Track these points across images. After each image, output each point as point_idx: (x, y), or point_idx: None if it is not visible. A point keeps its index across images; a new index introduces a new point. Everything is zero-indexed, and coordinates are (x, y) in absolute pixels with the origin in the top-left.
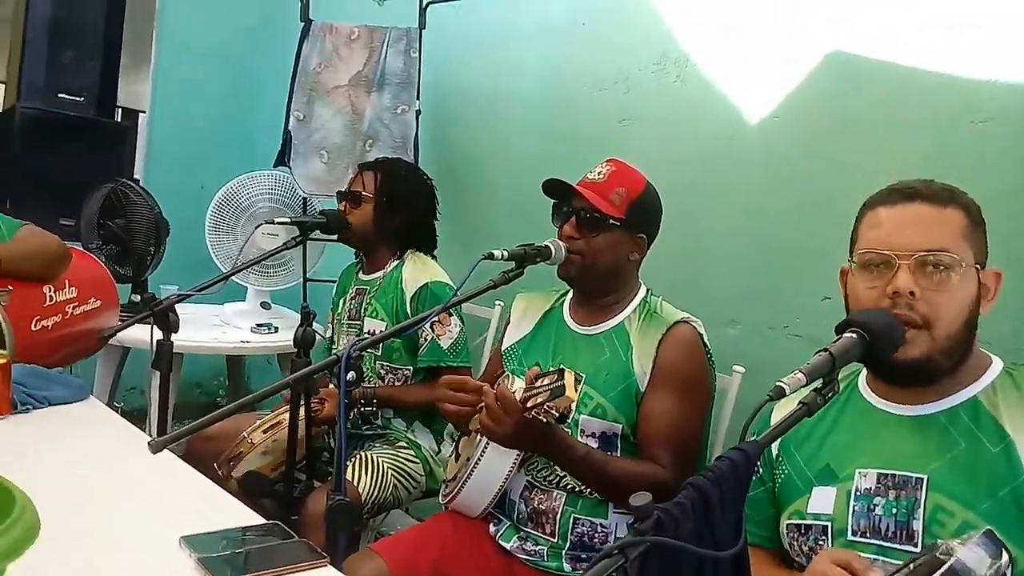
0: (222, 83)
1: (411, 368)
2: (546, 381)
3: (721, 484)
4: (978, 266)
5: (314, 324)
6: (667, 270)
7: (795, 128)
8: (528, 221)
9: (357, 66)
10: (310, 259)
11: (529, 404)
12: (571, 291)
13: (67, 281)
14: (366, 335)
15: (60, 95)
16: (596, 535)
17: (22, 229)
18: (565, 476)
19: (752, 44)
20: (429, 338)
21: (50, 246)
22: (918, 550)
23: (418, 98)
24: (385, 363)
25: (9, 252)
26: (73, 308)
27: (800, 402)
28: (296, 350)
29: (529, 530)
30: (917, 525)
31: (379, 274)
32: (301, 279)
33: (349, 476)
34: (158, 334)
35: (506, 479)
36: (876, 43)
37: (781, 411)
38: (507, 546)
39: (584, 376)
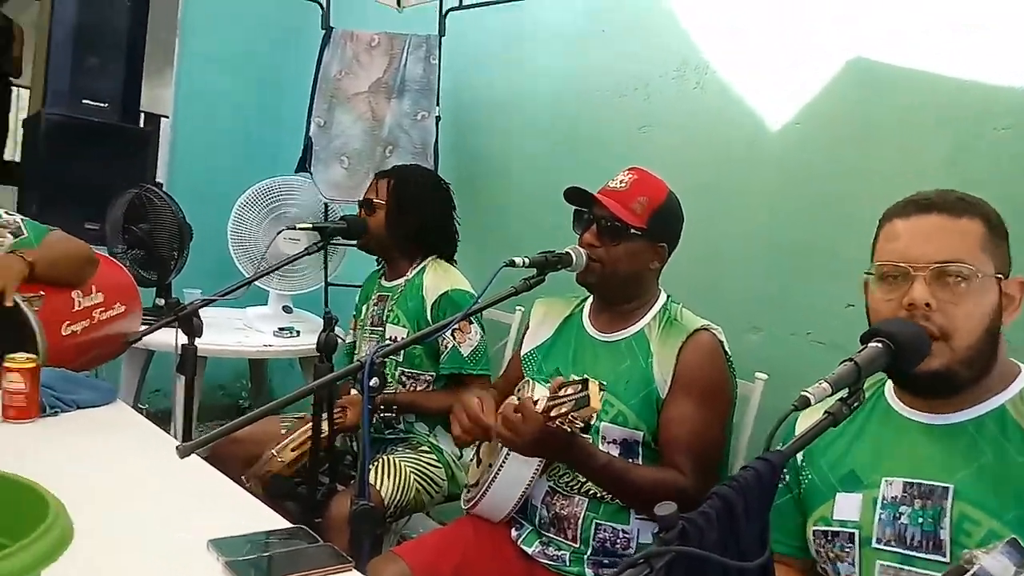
0: (244, 89)
1: (433, 374)
2: (570, 391)
3: (746, 494)
4: (999, 276)
5: (336, 329)
6: (688, 276)
7: (816, 134)
8: (548, 227)
9: (377, 73)
10: (331, 264)
11: (553, 413)
12: (590, 297)
13: (94, 287)
14: (388, 341)
15: (84, 101)
16: (618, 540)
17: (50, 235)
18: (587, 482)
19: (772, 51)
20: (450, 346)
21: (79, 251)
22: (945, 559)
23: (438, 104)
24: (407, 369)
25: (41, 257)
26: (100, 313)
27: (826, 412)
28: (319, 355)
29: (551, 535)
30: (944, 534)
31: (400, 281)
32: (322, 284)
33: (372, 480)
34: (183, 338)
35: (528, 485)
36: (897, 49)
37: (805, 419)
38: (529, 551)
39: (605, 384)
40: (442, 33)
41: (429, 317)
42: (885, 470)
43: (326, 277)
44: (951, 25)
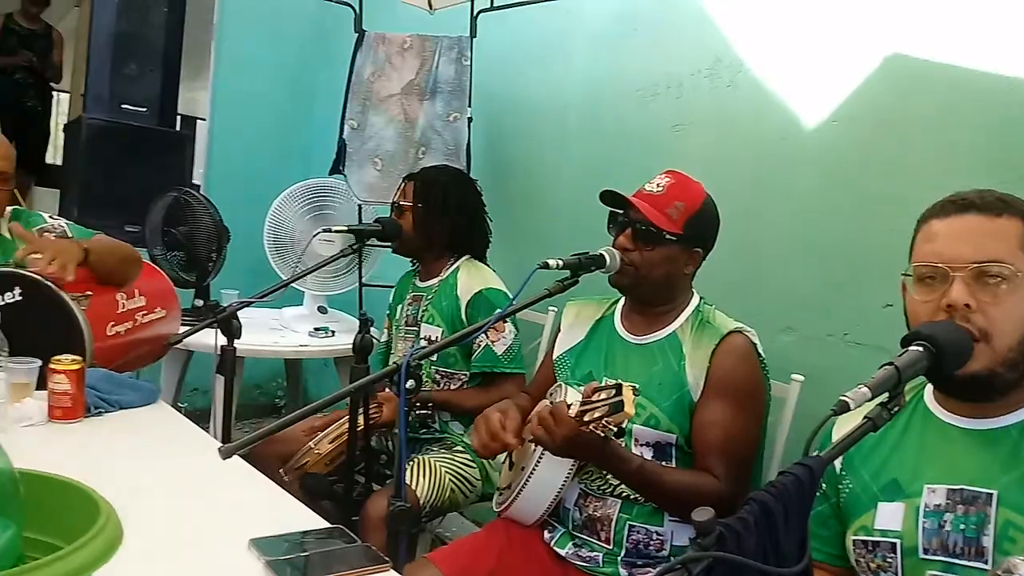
0: (279, 93)
1: (467, 373)
2: (603, 396)
3: (785, 500)
4: None
5: (371, 330)
6: (723, 276)
7: (853, 132)
8: (580, 227)
9: (409, 75)
10: (365, 265)
11: (587, 418)
12: (622, 298)
13: (136, 290)
14: (423, 340)
15: (123, 106)
16: (651, 542)
17: (95, 238)
18: (619, 484)
19: (808, 48)
20: (484, 344)
21: (126, 249)
22: (988, 567)
23: (470, 105)
24: (441, 368)
25: (93, 247)
26: (142, 316)
27: (865, 417)
28: (355, 356)
29: (584, 537)
30: (987, 541)
31: (434, 281)
32: (356, 284)
33: (408, 480)
34: (222, 340)
35: (561, 489)
36: (936, 46)
37: (843, 423)
38: (562, 552)
39: (638, 386)
40: (473, 34)
41: (464, 316)
42: (927, 477)
43: (360, 278)
44: (991, 19)
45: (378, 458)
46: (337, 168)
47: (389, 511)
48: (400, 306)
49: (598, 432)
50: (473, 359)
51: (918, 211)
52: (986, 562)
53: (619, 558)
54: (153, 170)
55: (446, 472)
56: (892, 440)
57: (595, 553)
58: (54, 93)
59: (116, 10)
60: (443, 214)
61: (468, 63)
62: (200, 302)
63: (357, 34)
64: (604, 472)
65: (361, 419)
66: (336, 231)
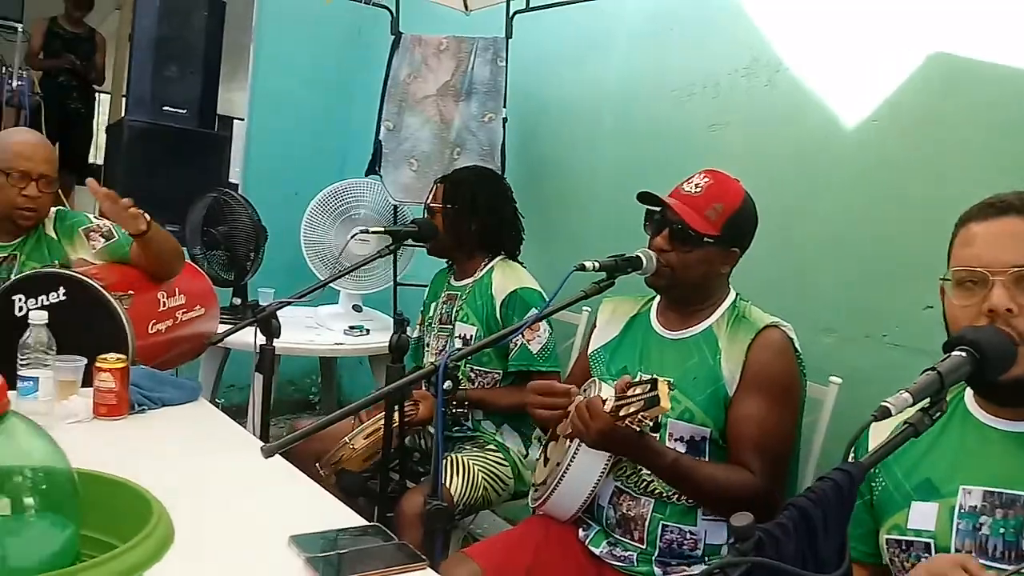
0: (316, 94)
1: (501, 372)
2: (638, 390)
3: (824, 505)
4: None
5: (407, 330)
6: (759, 275)
7: (894, 132)
8: (614, 227)
9: (445, 76)
10: (399, 264)
11: (622, 413)
12: (658, 296)
13: (177, 289)
14: (457, 339)
15: (164, 108)
16: (685, 542)
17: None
18: (653, 481)
19: (848, 46)
20: (519, 343)
21: (175, 240)
22: None
23: (504, 106)
24: (476, 367)
25: (153, 226)
26: (182, 314)
27: (906, 422)
28: (391, 355)
29: (618, 536)
30: None
31: (469, 280)
32: (391, 283)
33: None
34: (261, 339)
35: (596, 484)
36: (979, 44)
37: (880, 425)
38: (596, 551)
39: (673, 381)
40: (509, 35)
41: (498, 316)
42: (963, 478)
43: (395, 278)
44: None
45: (411, 456)
46: (373, 169)
47: (426, 510)
48: (434, 304)
49: (633, 427)
50: (510, 358)
51: (959, 212)
52: None
53: (653, 558)
54: (193, 171)
55: (479, 470)
56: (928, 439)
57: (629, 553)
58: (97, 95)
59: (158, 14)
60: (472, 214)
61: (503, 64)
62: (238, 300)
63: (394, 36)
64: (639, 467)
65: (396, 416)
66: (374, 232)
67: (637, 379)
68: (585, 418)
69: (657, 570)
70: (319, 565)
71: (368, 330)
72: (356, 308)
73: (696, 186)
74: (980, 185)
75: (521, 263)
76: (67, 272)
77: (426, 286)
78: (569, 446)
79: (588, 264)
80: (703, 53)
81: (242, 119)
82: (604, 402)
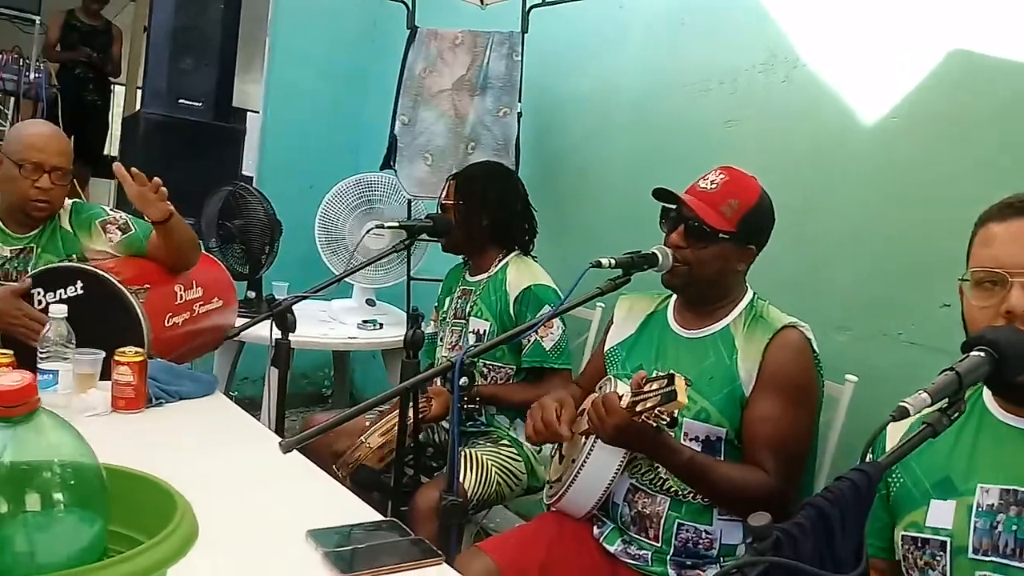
0: (331, 87)
1: (514, 367)
2: (655, 386)
3: (841, 506)
4: None
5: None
6: (776, 272)
7: (914, 129)
8: (628, 222)
9: (460, 70)
10: (413, 258)
11: (639, 408)
12: (674, 294)
13: (194, 281)
14: (471, 334)
15: (180, 100)
16: (701, 541)
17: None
18: (668, 479)
19: (867, 43)
20: (532, 339)
21: (192, 231)
22: None
23: (520, 101)
24: (489, 361)
25: (174, 213)
26: (199, 307)
27: (925, 422)
28: (405, 351)
29: (633, 534)
30: None
31: (483, 276)
32: (404, 278)
33: None
34: (277, 333)
35: (612, 481)
36: (999, 42)
37: (897, 424)
38: (611, 549)
39: (690, 379)
40: (525, 30)
41: (512, 312)
42: (981, 477)
43: (409, 273)
44: None
45: (425, 451)
46: (388, 163)
47: (442, 506)
48: (449, 299)
49: (650, 422)
50: (523, 354)
51: (978, 211)
52: None
53: (668, 557)
54: (208, 163)
55: (492, 465)
56: (947, 436)
57: (644, 551)
58: (112, 87)
59: (174, 6)
60: (483, 207)
61: (519, 58)
62: (252, 294)
63: (409, 30)
64: (654, 465)
65: (411, 412)
66: (389, 227)
67: (654, 375)
68: (601, 413)
69: (672, 571)
70: (336, 559)
71: (381, 324)
72: (369, 302)
73: (712, 182)
74: (999, 184)
75: (535, 258)
76: (84, 266)
77: (440, 281)
78: (585, 443)
79: (604, 261)
80: (720, 48)
81: (257, 112)
82: (620, 398)
